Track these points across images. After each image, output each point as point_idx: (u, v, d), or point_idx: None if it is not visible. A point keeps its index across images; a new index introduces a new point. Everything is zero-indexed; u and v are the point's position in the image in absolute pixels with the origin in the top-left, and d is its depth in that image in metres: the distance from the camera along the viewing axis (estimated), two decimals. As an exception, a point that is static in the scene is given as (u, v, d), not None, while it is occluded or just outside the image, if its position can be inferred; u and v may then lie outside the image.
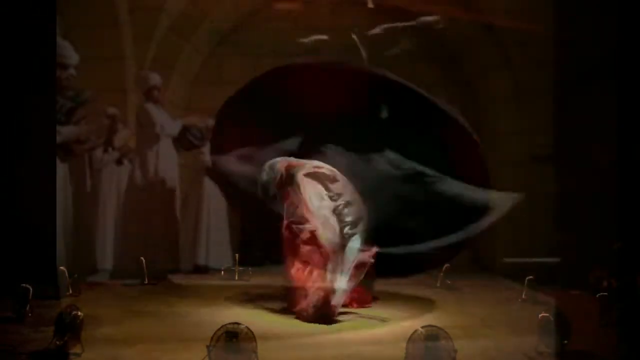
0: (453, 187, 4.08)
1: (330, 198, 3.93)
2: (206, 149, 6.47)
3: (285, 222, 4.00)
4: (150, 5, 6.68)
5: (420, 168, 4.13)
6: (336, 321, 3.78)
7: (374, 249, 3.88)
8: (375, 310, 4.28)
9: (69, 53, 4.39)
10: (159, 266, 5.35)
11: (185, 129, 5.50)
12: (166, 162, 5.41)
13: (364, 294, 4.30)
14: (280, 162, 4.06)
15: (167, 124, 5.41)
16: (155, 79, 5.43)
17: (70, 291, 4.45)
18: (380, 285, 4.75)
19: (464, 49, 7.60)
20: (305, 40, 4.91)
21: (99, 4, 6.29)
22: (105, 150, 5.97)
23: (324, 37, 4.90)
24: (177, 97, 7.62)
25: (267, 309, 4.25)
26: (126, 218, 5.34)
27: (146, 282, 5.10)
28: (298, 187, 3.89)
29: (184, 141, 5.51)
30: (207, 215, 6.44)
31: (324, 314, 3.75)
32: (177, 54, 7.37)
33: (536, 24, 6.42)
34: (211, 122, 6.58)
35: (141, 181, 5.31)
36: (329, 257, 3.76)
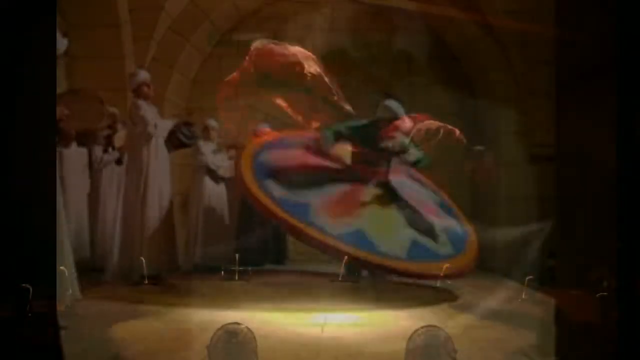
0: None
1: None
2: (206, 149, 6.47)
3: None
4: (150, 5, 6.69)
5: None
6: None
7: None
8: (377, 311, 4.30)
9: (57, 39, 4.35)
10: (159, 266, 5.34)
11: (176, 128, 5.49)
12: (158, 160, 5.40)
13: None
14: None
15: (160, 122, 5.41)
16: (143, 75, 5.42)
17: (70, 291, 4.44)
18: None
19: (464, 49, 7.60)
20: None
21: (99, 3, 6.29)
22: (105, 150, 5.97)
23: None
24: (177, 96, 7.62)
25: (267, 309, 4.26)
26: (126, 218, 5.33)
27: (146, 282, 5.10)
28: None
29: (174, 140, 5.50)
30: (207, 214, 6.44)
31: None
32: (177, 54, 7.38)
33: (536, 24, 6.42)
34: (212, 122, 6.61)
35: (135, 180, 5.30)
36: None
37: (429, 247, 4.91)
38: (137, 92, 5.35)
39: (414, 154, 5.29)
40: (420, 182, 5.78)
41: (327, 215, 4.75)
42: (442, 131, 5.05)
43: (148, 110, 5.33)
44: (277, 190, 4.95)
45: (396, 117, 5.25)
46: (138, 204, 5.25)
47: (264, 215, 5.06)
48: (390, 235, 4.80)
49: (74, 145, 5.73)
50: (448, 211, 5.63)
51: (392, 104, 5.35)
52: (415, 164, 5.46)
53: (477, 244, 5.35)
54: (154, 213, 5.30)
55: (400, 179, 5.47)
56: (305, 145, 5.52)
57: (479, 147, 5.61)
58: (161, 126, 5.38)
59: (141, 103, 5.30)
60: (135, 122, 5.32)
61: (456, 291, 5.21)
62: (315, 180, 5.10)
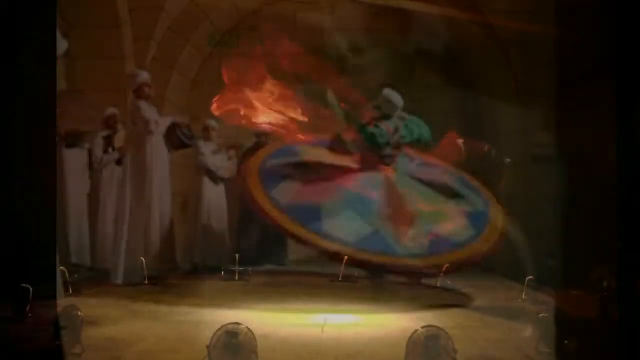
0: None
1: None
2: (206, 149, 6.47)
3: None
4: (150, 5, 6.69)
5: None
6: None
7: None
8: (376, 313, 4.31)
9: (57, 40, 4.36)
10: (159, 266, 5.34)
11: (175, 127, 5.49)
12: (158, 160, 5.41)
13: None
14: None
15: (160, 120, 5.42)
16: (143, 75, 5.44)
17: (70, 291, 4.45)
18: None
19: (464, 49, 7.59)
20: None
21: (99, 4, 6.30)
22: (105, 150, 5.96)
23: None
24: (176, 96, 7.63)
25: (267, 309, 4.26)
26: (131, 219, 5.33)
27: (146, 282, 5.10)
28: None
29: (174, 139, 5.51)
30: (207, 215, 6.44)
31: None
32: (177, 54, 7.37)
33: (536, 24, 6.43)
34: (212, 122, 6.59)
35: (136, 180, 5.30)
36: None
37: (448, 238, 4.86)
38: (138, 92, 5.37)
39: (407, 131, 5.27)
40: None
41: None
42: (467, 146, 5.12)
43: (148, 111, 5.34)
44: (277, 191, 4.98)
45: (396, 109, 5.29)
46: (141, 204, 5.26)
47: (257, 214, 5.10)
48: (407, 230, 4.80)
49: (62, 146, 5.74)
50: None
51: (391, 94, 5.35)
52: (418, 141, 5.40)
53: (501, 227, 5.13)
54: (154, 213, 5.31)
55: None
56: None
57: (508, 159, 5.72)
58: (162, 123, 5.40)
59: (141, 103, 5.32)
60: (136, 123, 5.33)
61: (456, 291, 5.21)
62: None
